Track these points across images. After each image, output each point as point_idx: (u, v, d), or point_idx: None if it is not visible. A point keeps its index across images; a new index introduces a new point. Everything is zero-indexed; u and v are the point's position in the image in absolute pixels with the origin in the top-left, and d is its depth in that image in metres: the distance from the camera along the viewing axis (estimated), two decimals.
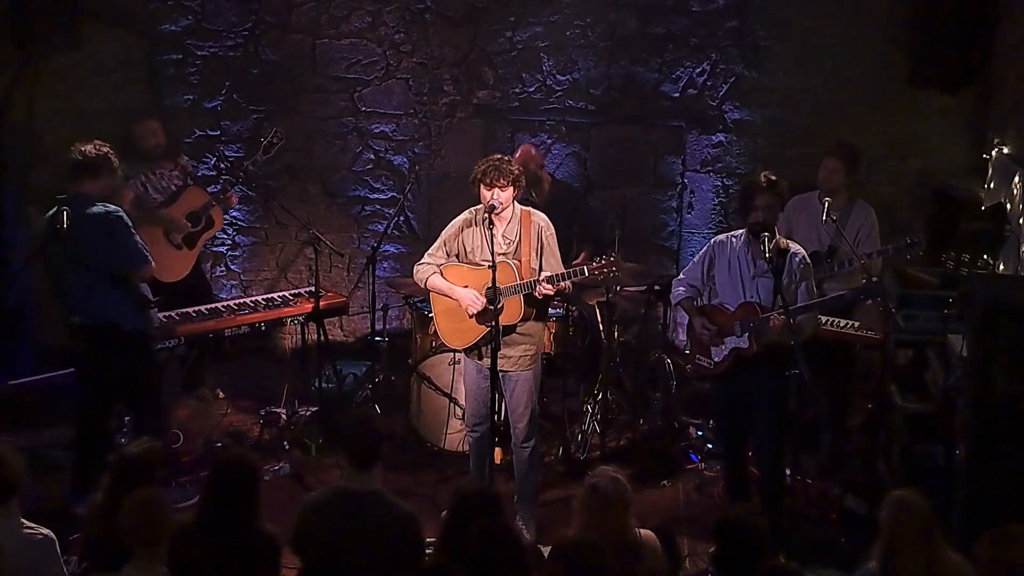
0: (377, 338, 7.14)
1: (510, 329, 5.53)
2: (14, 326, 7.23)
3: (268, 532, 4.14)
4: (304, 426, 6.80)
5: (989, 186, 6.71)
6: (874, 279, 5.57)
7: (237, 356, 7.51)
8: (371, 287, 7.03)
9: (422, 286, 5.74)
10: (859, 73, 7.52)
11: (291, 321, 6.85)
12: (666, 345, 7.07)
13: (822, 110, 7.61)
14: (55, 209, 5.47)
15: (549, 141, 8.01)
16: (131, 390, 5.83)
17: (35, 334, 7.42)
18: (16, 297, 7.20)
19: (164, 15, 7.81)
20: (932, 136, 7.51)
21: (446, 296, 5.63)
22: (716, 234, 5.89)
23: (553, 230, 5.69)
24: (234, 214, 7.91)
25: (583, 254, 6.89)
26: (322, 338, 6.81)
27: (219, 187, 7.42)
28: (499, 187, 5.45)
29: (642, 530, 4.32)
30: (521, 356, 5.62)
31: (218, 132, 8.02)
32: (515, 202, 5.60)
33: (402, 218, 8.15)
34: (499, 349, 5.39)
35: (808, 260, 5.43)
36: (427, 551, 4.36)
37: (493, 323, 5.37)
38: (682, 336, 6.39)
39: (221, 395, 7.39)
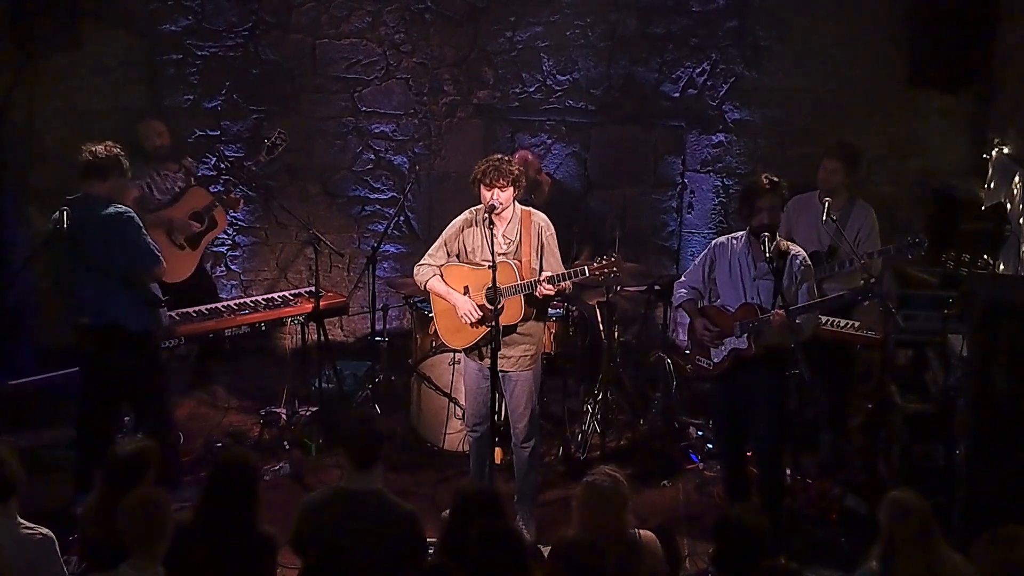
0: (377, 338, 7.14)
1: (510, 329, 5.53)
2: (14, 326, 7.24)
3: (265, 533, 4.14)
4: (304, 426, 6.80)
5: (989, 186, 6.71)
6: (874, 279, 5.56)
7: (237, 356, 7.53)
8: (371, 287, 7.03)
9: (422, 288, 5.74)
10: (859, 73, 7.52)
11: (291, 321, 6.85)
12: (666, 345, 7.07)
13: (822, 110, 7.61)
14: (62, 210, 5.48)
15: (549, 141, 8.01)
16: (137, 390, 5.83)
17: (35, 334, 7.42)
18: (16, 297, 7.21)
19: (164, 15, 7.81)
20: (932, 136, 7.51)
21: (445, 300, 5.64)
22: (716, 234, 5.91)
23: (553, 230, 5.69)
24: (234, 214, 7.91)
25: (584, 254, 6.89)
26: (322, 338, 6.81)
27: (219, 187, 7.42)
28: (499, 187, 5.45)
29: (642, 530, 4.32)
30: (521, 356, 5.62)
31: (218, 132, 8.02)
32: (515, 202, 5.60)
33: (402, 218, 8.15)
34: (499, 349, 5.40)
35: (808, 262, 5.42)
36: (428, 551, 4.36)
37: (493, 323, 5.37)
38: (683, 336, 6.40)
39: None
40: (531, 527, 5.75)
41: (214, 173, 7.78)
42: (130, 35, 7.75)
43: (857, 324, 6.17)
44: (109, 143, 5.66)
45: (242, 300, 6.92)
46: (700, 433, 6.79)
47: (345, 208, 8.21)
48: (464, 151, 7.84)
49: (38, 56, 7.23)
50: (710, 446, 6.61)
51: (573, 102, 7.95)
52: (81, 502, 5.00)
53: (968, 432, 4.94)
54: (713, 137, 7.88)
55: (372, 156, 8.15)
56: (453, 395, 6.50)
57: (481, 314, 5.49)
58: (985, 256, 6.08)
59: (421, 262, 5.71)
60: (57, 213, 5.51)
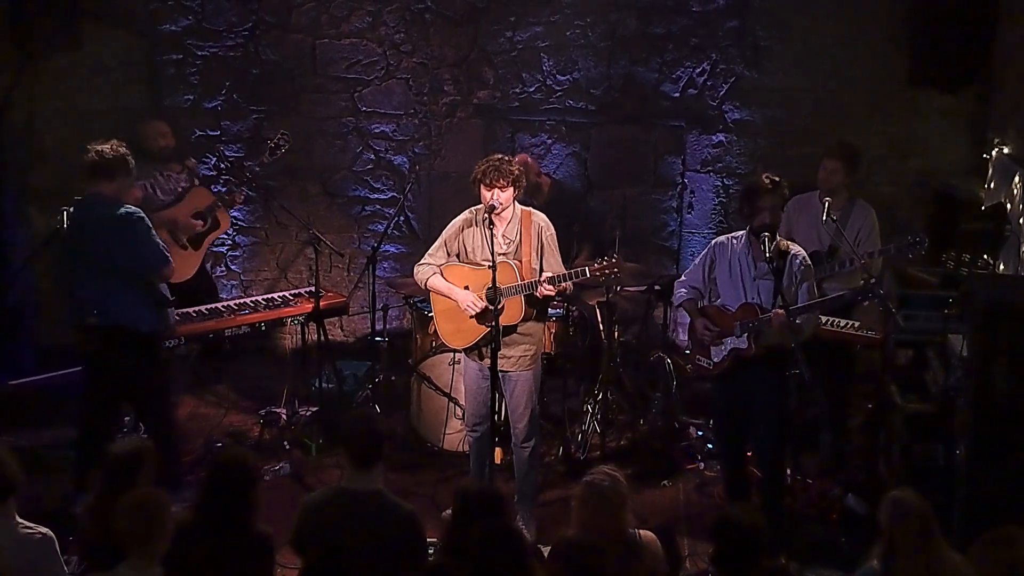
0: (377, 338, 7.14)
1: (510, 329, 5.53)
2: (14, 326, 7.24)
3: (263, 533, 4.14)
4: (304, 426, 6.80)
5: (989, 186, 6.71)
6: (874, 279, 5.56)
7: (237, 356, 7.53)
8: (371, 287, 7.02)
9: (422, 287, 5.74)
10: (859, 73, 7.52)
11: (291, 321, 6.86)
12: (666, 345, 7.07)
13: (822, 110, 7.61)
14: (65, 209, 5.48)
15: (549, 141, 8.02)
16: (138, 390, 5.82)
17: (35, 334, 7.42)
18: (16, 297, 7.21)
19: (164, 15, 7.81)
20: (932, 136, 7.51)
21: (446, 297, 5.63)
22: (716, 234, 5.91)
23: (553, 230, 5.69)
24: (234, 214, 7.89)
25: (584, 254, 6.89)
26: (322, 338, 6.81)
27: (220, 187, 7.42)
28: (499, 187, 5.45)
29: (642, 530, 4.31)
30: (521, 356, 5.62)
31: (218, 132, 8.02)
32: (515, 202, 5.60)
33: (402, 218, 8.15)
34: (499, 349, 5.40)
35: (809, 262, 5.42)
36: (428, 551, 4.36)
37: (493, 323, 5.37)
38: (683, 336, 6.39)
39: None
40: (531, 527, 5.74)
41: (214, 173, 7.78)
42: (130, 35, 7.76)
43: (857, 324, 6.17)
44: (115, 142, 5.63)
45: (242, 300, 6.93)
46: (700, 433, 6.79)
47: (345, 208, 8.21)
48: (464, 151, 7.84)
49: (38, 56, 7.23)
50: (710, 446, 6.61)
51: (573, 102, 7.95)
52: (81, 502, 5.00)
53: (968, 432, 4.94)
54: (713, 137, 7.88)
55: (372, 156, 8.15)
56: (453, 395, 6.50)
57: (483, 303, 5.48)
58: (985, 256, 6.08)
59: (421, 262, 5.71)
60: (61, 213, 5.50)
